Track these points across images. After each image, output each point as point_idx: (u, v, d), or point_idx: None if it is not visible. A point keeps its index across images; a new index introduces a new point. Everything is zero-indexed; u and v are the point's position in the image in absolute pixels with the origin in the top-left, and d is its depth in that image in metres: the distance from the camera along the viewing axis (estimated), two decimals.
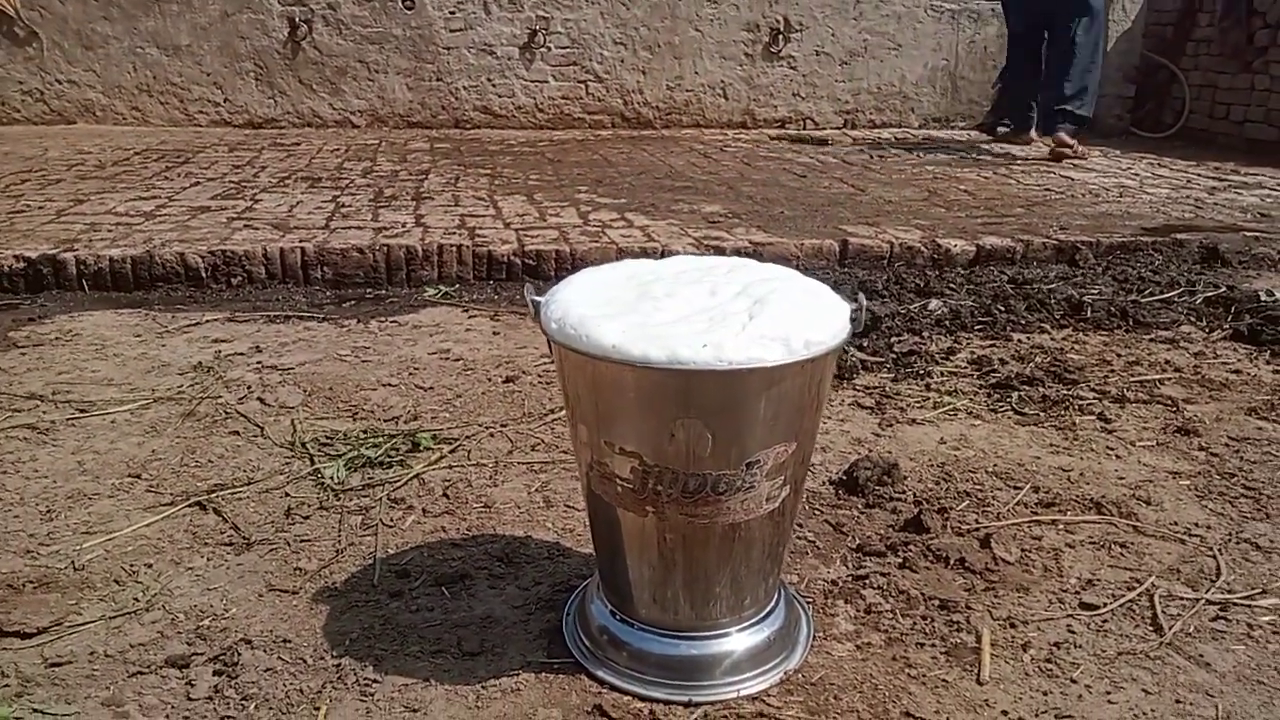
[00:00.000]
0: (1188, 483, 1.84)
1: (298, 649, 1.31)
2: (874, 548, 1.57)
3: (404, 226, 3.36)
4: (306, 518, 1.65)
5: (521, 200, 3.91)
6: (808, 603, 1.43)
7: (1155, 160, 5.46)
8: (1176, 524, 1.68)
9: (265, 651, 1.29)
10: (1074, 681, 1.27)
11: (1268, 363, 2.48)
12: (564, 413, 1.63)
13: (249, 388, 2.20)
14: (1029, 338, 2.64)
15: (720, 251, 3.15)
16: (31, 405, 2.08)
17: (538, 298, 1.24)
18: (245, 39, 5.62)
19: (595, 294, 1.21)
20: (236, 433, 1.97)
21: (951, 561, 1.53)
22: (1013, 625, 1.39)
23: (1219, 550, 1.59)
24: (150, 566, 1.50)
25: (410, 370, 2.33)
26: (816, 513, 1.70)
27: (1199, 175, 5.01)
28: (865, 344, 2.54)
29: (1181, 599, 1.46)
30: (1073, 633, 1.37)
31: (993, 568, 1.52)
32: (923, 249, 3.34)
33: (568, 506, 1.71)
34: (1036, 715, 1.21)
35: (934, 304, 2.89)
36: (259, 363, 2.36)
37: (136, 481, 1.76)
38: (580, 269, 1.33)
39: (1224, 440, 2.02)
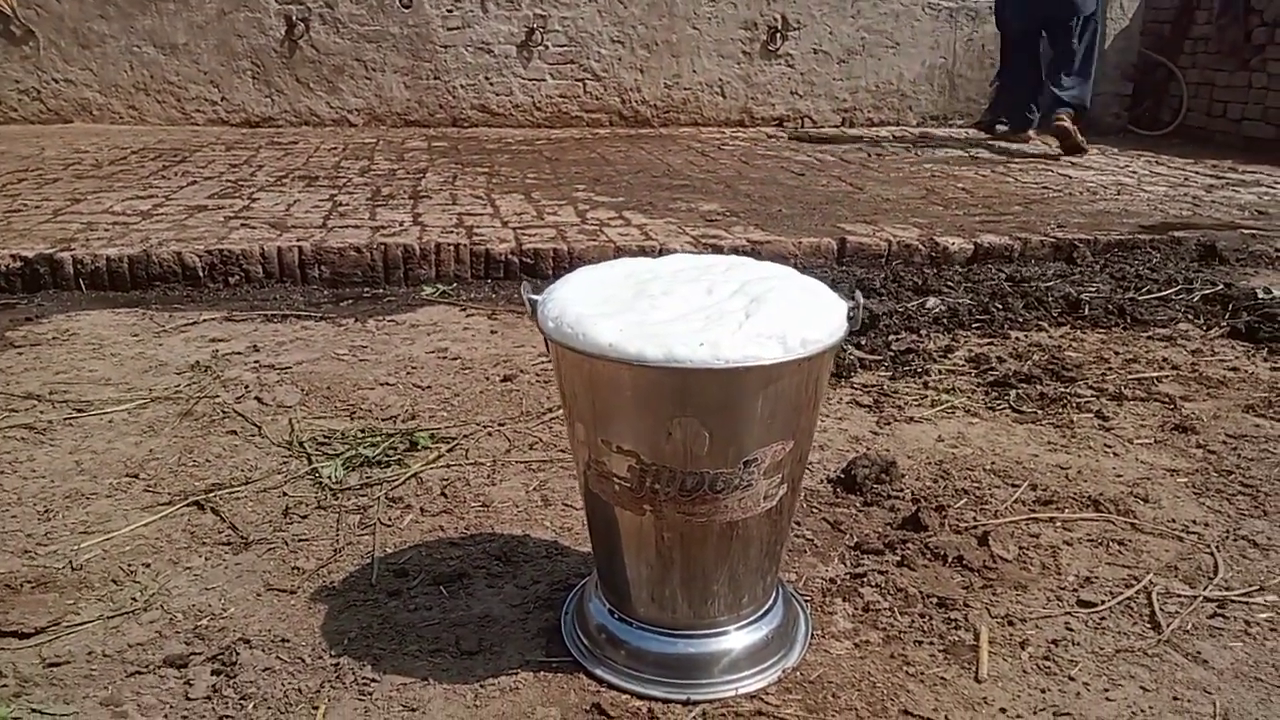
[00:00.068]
0: (1185, 480, 1.84)
1: (296, 648, 1.30)
2: (872, 546, 1.57)
3: (401, 225, 3.36)
4: (304, 517, 1.65)
5: (519, 199, 3.91)
6: (806, 601, 1.43)
7: (1153, 158, 5.47)
8: (1174, 521, 1.68)
9: (263, 651, 1.29)
10: (1072, 679, 1.27)
11: (1265, 360, 2.48)
12: (561, 411, 1.63)
13: (246, 387, 2.20)
14: (1027, 335, 2.64)
15: (718, 250, 3.15)
16: (29, 405, 2.08)
17: (535, 296, 1.24)
18: (242, 37, 5.62)
19: (592, 292, 1.21)
20: (234, 432, 1.97)
21: (949, 559, 1.53)
22: (1011, 623, 1.39)
23: (1216, 547, 1.60)
24: (148, 566, 1.50)
25: (408, 369, 2.33)
26: (814, 511, 1.70)
27: (1196, 173, 5.01)
28: (863, 342, 2.54)
29: (1179, 596, 1.46)
30: (1070, 630, 1.37)
31: (991, 565, 1.52)
32: (921, 247, 3.34)
33: (566, 505, 1.71)
34: (1035, 713, 1.21)
35: (932, 302, 2.89)
36: (256, 362, 2.36)
37: (134, 481, 1.76)
38: (578, 267, 1.33)
39: (1221, 438, 2.02)
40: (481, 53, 5.89)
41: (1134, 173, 4.96)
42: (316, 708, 1.19)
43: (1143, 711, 1.21)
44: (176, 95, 5.66)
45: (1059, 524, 1.67)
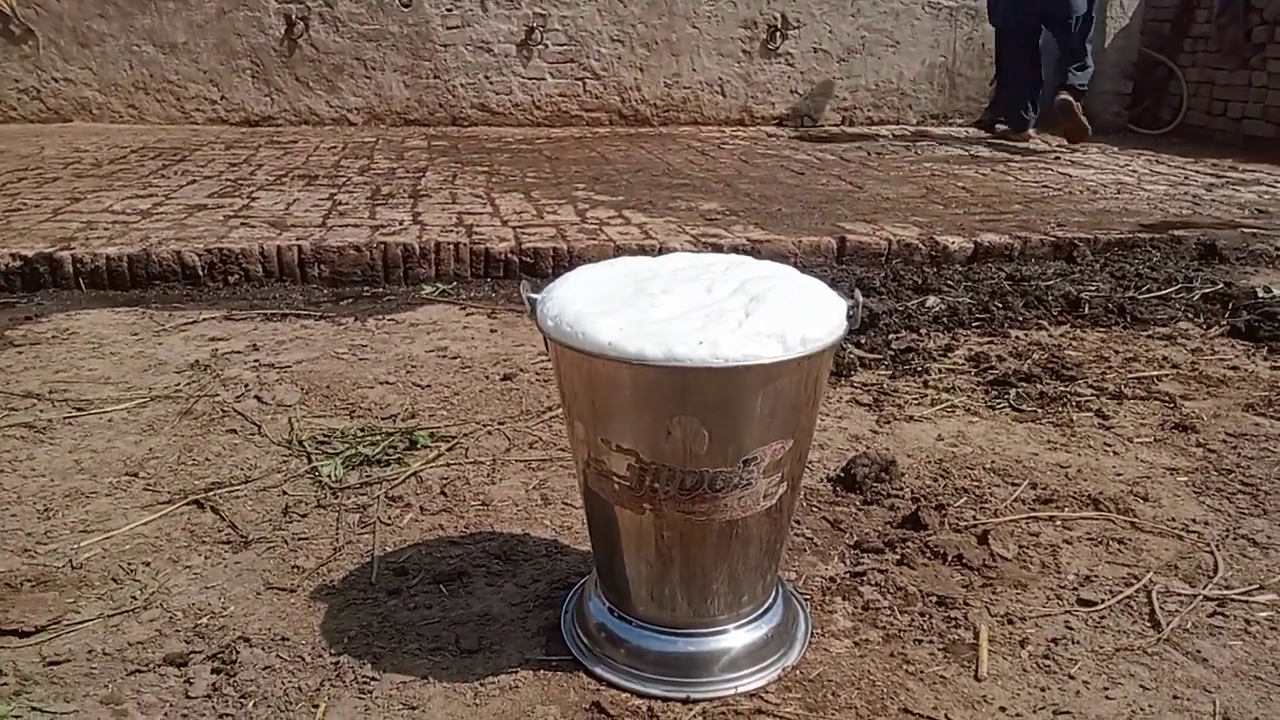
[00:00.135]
0: (1185, 479, 1.84)
1: (296, 647, 1.30)
2: (872, 544, 1.57)
3: (401, 224, 3.36)
4: (304, 516, 1.65)
5: (519, 198, 3.91)
6: (806, 599, 1.43)
7: (1153, 157, 5.46)
8: (1174, 520, 1.68)
9: (263, 649, 1.29)
10: (1072, 678, 1.27)
11: (1265, 359, 2.48)
12: (561, 410, 1.63)
13: (246, 386, 2.20)
14: (1027, 334, 2.64)
15: (718, 249, 3.15)
16: (29, 404, 2.08)
17: (534, 295, 1.24)
18: (242, 36, 5.61)
19: (592, 291, 1.21)
20: (234, 431, 1.97)
21: (949, 558, 1.53)
22: (1010, 622, 1.39)
23: (1216, 546, 1.60)
24: (148, 565, 1.50)
25: (408, 368, 2.33)
26: (814, 510, 1.70)
27: (1196, 172, 5.01)
28: (863, 341, 2.54)
29: (1179, 595, 1.46)
30: (1070, 629, 1.37)
31: (990, 564, 1.52)
32: (920, 246, 3.34)
33: (565, 504, 1.71)
34: (1034, 711, 1.21)
35: (932, 301, 2.89)
36: (256, 361, 2.36)
37: (134, 480, 1.76)
38: (577, 266, 1.33)
39: (1221, 436, 2.02)
40: (481, 52, 5.89)
41: (1134, 171, 4.96)
42: (316, 706, 1.19)
43: (1142, 710, 1.21)
44: (176, 94, 5.66)
45: (1059, 523, 1.67)
